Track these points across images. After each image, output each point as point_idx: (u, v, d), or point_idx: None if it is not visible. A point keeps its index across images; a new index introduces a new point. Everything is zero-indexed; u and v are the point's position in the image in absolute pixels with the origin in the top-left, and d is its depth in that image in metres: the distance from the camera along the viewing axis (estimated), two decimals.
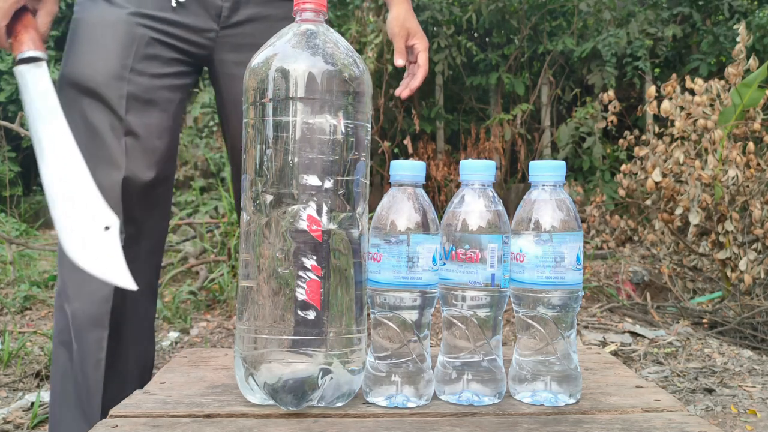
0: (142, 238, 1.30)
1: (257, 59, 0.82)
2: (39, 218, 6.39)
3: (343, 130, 0.79)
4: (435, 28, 5.95)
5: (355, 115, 0.80)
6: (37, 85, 1.13)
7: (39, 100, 1.13)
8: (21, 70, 1.14)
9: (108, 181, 1.21)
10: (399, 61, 1.42)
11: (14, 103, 6.24)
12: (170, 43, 1.28)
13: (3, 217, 5.39)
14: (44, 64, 1.15)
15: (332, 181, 0.79)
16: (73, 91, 1.24)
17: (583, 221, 4.30)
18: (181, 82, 1.32)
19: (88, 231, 1.05)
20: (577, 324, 2.84)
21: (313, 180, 0.78)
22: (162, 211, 1.35)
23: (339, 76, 0.79)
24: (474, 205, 0.81)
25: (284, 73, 0.78)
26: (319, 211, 0.78)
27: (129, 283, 1.03)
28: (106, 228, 1.05)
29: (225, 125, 1.41)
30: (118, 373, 1.27)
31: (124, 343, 1.29)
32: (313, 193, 0.78)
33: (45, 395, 2.08)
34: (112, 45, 1.24)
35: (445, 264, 0.81)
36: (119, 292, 1.23)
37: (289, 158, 0.78)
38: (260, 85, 0.80)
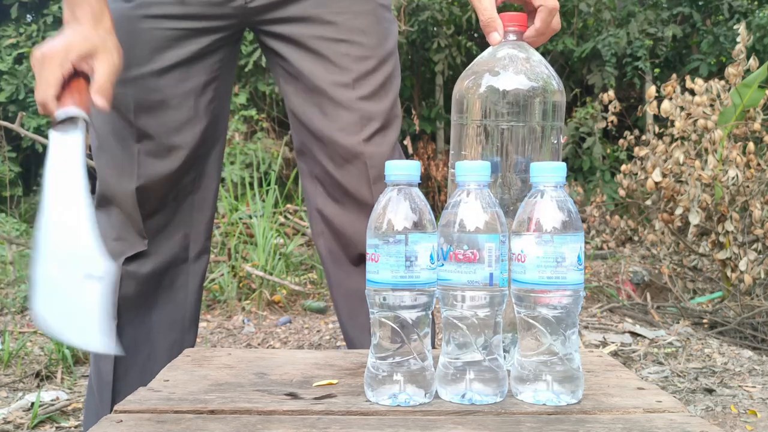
0: (175, 226, 1.27)
1: (468, 80, 0.95)
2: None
3: (562, 140, 0.98)
4: (435, 28, 5.96)
5: (555, 121, 0.96)
6: (60, 154, 1.00)
7: (60, 172, 1.00)
8: (51, 135, 1.01)
9: (121, 190, 1.21)
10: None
11: (14, 103, 6.24)
12: (181, 28, 1.19)
13: (3, 217, 5.39)
14: (80, 126, 1.01)
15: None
16: None
17: (583, 221, 4.29)
18: (202, 66, 1.23)
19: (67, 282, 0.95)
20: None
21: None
22: (195, 199, 1.29)
23: (542, 90, 0.94)
24: (470, 206, 0.81)
25: (495, 91, 0.93)
26: None
27: (106, 346, 0.97)
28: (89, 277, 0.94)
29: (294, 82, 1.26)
30: (139, 365, 1.24)
31: (152, 332, 1.26)
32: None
33: (45, 395, 2.08)
34: None
35: (443, 264, 0.81)
36: (129, 283, 1.22)
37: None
38: (476, 99, 0.94)
